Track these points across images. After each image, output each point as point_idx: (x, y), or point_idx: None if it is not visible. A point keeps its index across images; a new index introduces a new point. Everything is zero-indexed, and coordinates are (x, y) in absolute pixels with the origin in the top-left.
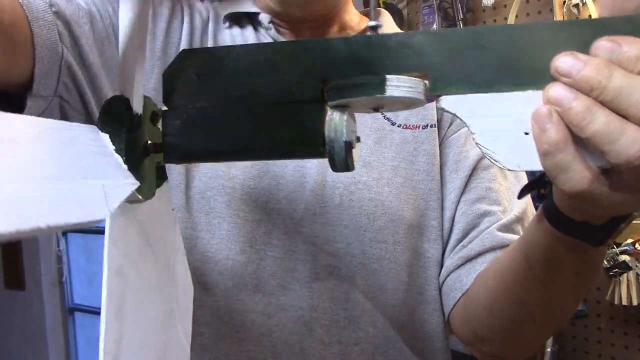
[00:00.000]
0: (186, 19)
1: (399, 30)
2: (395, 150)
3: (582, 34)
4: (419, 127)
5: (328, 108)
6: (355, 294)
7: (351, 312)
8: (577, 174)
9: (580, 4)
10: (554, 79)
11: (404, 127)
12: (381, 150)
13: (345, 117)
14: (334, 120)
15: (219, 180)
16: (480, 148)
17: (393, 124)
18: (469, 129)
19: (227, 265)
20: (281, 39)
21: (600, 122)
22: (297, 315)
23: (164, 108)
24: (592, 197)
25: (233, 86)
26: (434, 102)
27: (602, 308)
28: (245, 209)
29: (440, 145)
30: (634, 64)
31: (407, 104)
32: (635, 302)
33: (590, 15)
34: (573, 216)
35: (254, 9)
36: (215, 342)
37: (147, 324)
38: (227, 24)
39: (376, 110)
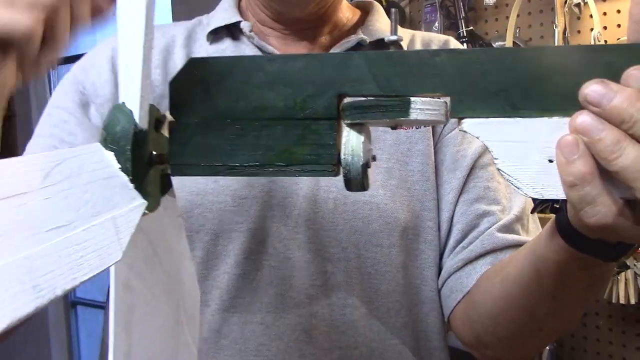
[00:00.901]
0: (159, 71)
1: (389, 23)
2: (389, 151)
3: (614, 60)
4: (412, 127)
5: (344, 126)
6: (352, 299)
7: (349, 317)
8: (604, 207)
9: (582, 4)
10: (581, 106)
11: (398, 127)
12: (375, 152)
13: (362, 138)
14: (351, 141)
15: (208, 197)
16: (502, 174)
17: None
18: (491, 154)
19: (224, 279)
20: (266, 45)
21: (630, 157)
22: (296, 323)
23: (169, 117)
24: (616, 230)
25: (242, 98)
26: None
27: (601, 306)
28: (238, 220)
29: (436, 144)
30: None
31: (428, 123)
32: (633, 301)
33: (591, 15)
34: (588, 234)
35: (235, 19)
36: (214, 355)
37: (155, 332)
38: (209, 41)
39: (394, 128)
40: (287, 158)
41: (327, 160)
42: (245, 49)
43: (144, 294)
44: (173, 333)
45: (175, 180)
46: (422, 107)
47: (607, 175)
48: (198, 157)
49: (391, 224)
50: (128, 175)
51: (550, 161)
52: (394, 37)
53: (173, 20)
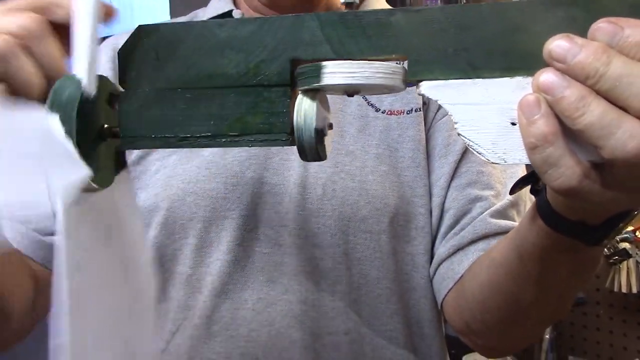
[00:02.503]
0: None
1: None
2: (379, 137)
3: (579, 13)
4: (403, 112)
5: (298, 92)
6: (341, 285)
7: (339, 303)
8: (568, 169)
9: None
10: (546, 64)
11: (389, 113)
12: (365, 138)
13: (315, 104)
14: (304, 106)
15: (199, 185)
16: (462, 139)
17: (377, 110)
18: (451, 118)
19: (217, 266)
20: None
21: (595, 113)
22: (287, 309)
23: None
24: (582, 194)
25: (193, 66)
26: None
27: (602, 295)
28: (230, 207)
29: (428, 130)
30: (637, 50)
31: (385, 88)
32: (634, 290)
33: None
34: (568, 215)
35: (228, 8)
36: (206, 342)
37: (107, 319)
38: None
39: (350, 95)
40: (240, 127)
41: (281, 129)
42: None
43: (94, 277)
44: (126, 321)
45: (167, 170)
46: (334, 70)
47: (571, 137)
48: (149, 128)
49: (380, 210)
50: (73, 142)
51: (513, 124)
52: None
53: (171, 17)
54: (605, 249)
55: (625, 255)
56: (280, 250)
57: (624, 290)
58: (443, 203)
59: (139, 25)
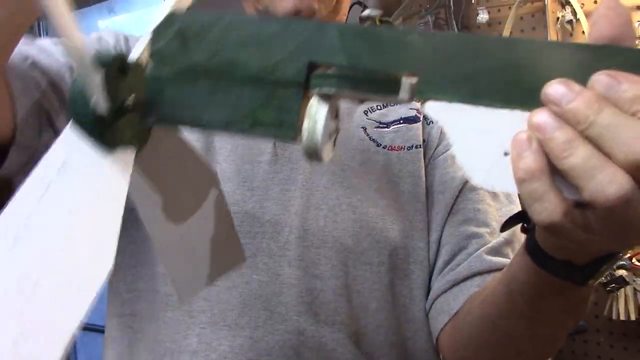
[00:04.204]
0: None
1: None
2: (380, 172)
3: (585, 60)
4: (403, 148)
5: (312, 95)
6: (340, 316)
7: (338, 334)
8: (551, 204)
9: (574, 21)
10: (543, 103)
11: (390, 148)
12: (366, 172)
13: (326, 108)
14: (315, 109)
15: None
16: (456, 160)
17: (378, 145)
18: (449, 139)
19: (213, 291)
20: None
21: (580, 156)
22: (284, 339)
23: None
24: (565, 230)
25: (216, 55)
26: (419, 123)
27: (601, 323)
28: None
29: (427, 166)
30: (629, 105)
31: (391, 100)
32: (633, 317)
33: (583, 32)
34: (554, 254)
35: None
36: None
37: None
38: None
39: (362, 101)
40: (252, 119)
41: (289, 126)
42: None
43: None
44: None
45: None
46: (387, 85)
47: (559, 176)
48: (168, 109)
49: (381, 243)
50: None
51: (506, 154)
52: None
53: None
54: (602, 277)
55: (622, 282)
56: (279, 280)
57: (622, 317)
58: (440, 238)
59: (172, 12)
